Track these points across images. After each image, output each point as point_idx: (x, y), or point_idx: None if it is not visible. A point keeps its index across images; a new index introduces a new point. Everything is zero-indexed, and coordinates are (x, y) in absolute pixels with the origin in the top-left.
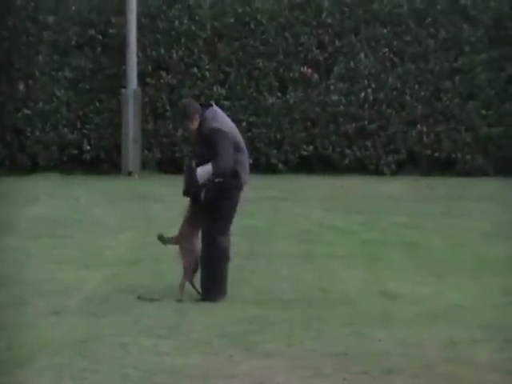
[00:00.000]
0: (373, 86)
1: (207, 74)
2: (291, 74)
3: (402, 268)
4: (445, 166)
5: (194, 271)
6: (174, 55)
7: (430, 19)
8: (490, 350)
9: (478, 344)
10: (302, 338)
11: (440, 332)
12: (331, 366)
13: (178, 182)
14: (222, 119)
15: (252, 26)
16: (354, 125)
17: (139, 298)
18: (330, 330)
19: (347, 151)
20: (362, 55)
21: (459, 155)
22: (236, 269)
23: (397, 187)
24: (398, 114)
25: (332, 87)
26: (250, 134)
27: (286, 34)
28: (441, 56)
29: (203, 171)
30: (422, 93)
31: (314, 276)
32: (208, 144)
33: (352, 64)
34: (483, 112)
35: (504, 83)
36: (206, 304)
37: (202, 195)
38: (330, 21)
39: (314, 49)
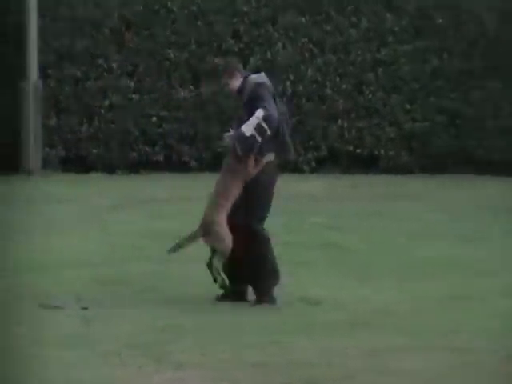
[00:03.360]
0: (291, 78)
1: (114, 65)
2: (204, 66)
3: (323, 272)
4: (367, 163)
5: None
6: (79, 45)
7: (351, 8)
8: (414, 358)
9: (401, 352)
10: (218, 347)
11: (363, 339)
12: (249, 378)
13: (84, 181)
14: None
15: (162, 14)
16: None
17: (41, 305)
18: (248, 338)
19: None
20: (280, 45)
21: (382, 152)
22: (146, 274)
23: (317, 186)
24: (318, 108)
25: None
26: (160, 129)
27: (199, 23)
28: (363, 47)
29: (247, 123)
30: (344, 86)
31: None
32: (252, 99)
33: (269, 55)
34: (407, 106)
35: (429, 76)
36: (114, 312)
37: (256, 147)
38: (245, 9)
39: (228, 39)
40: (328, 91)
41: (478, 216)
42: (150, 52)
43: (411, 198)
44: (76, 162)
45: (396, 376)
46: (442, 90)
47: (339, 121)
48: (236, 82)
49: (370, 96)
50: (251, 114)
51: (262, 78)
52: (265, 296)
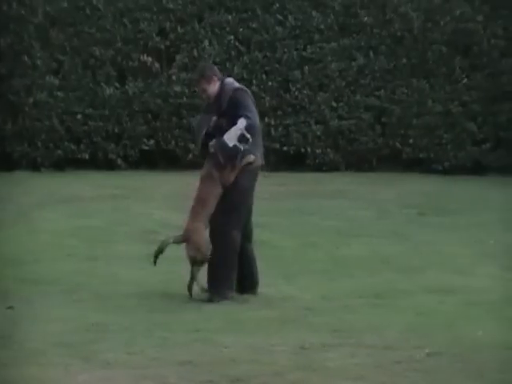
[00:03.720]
0: None
1: (39, 62)
2: (130, 63)
3: None
4: (294, 161)
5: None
6: (3, 42)
7: (277, 5)
8: (341, 355)
9: (329, 348)
10: (145, 346)
11: (290, 337)
12: (176, 375)
13: (9, 179)
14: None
15: (87, 12)
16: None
17: None
18: (175, 337)
19: (191, 146)
20: (206, 43)
21: (309, 149)
22: (73, 273)
23: None
24: None
25: (174, 77)
26: (86, 127)
27: (125, 20)
28: (289, 44)
29: (230, 133)
30: (270, 83)
31: (157, 280)
32: (233, 106)
33: (195, 52)
34: (334, 104)
35: (355, 73)
36: (42, 311)
37: (239, 158)
38: (171, 6)
39: (154, 36)
40: (254, 89)
41: (404, 213)
42: (75, 49)
43: (338, 196)
44: (0, 160)
45: (324, 373)
46: (368, 88)
47: (266, 118)
48: (214, 88)
49: (297, 93)
50: (232, 120)
51: (237, 83)
52: (216, 295)
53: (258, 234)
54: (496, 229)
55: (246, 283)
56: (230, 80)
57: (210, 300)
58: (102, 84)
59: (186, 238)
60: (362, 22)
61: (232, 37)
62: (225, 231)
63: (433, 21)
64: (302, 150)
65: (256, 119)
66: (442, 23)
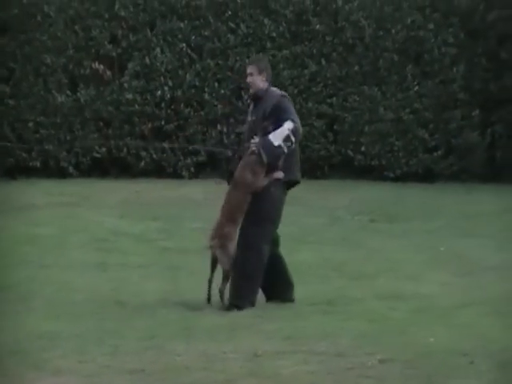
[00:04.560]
0: (170, 83)
1: None
2: (82, 71)
3: (202, 277)
4: None
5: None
6: None
7: (229, 13)
8: (293, 362)
9: (281, 356)
10: (96, 353)
11: (243, 344)
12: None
13: None
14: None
15: (39, 19)
16: (150, 125)
17: None
18: (127, 344)
19: (143, 153)
20: (158, 51)
21: None
22: (26, 280)
23: (196, 191)
24: (197, 113)
25: (126, 85)
26: (37, 135)
27: (76, 28)
28: (241, 52)
29: (276, 133)
30: (222, 91)
31: (109, 287)
32: (277, 110)
33: (147, 60)
34: None
35: (307, 81)
36: None
37: (282, 158)
38: (123, 14)
39: (106, 43)
40: (207, 96)
41: (355, 220)
42: (26, 57)
43: (291, 203)
44: None
45: (277, 380)
46: (320, 96)
47: (218, 126)
48: (260, 82)
49: (249, 101)
50: (275, 124)
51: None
52: (238, 301)
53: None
54: (446, 235)
55: (282, 288)
56: (275, 88)
57: (228, 309)
58: (54, 92)
59: (222, 242)
60: (314, 30)
61: (184, 44)
62: (256, 244)
63: (384, 29)
64: None
65: (300, 126)
66: (393, 31)
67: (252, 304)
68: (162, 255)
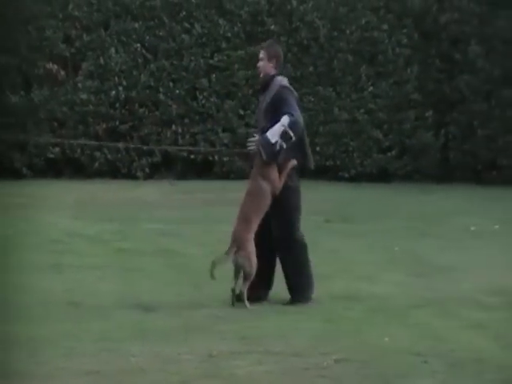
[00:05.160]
0: (124, 83)
1: None
2: (36, 71)
3: (158, 278)
4: (202, 169)
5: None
6: None
7: (184, 13)
8: (249, 362)
9: (237, 356)
10: (51, 356)
11: (198, 345)
12: None
13: None
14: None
15: None
16: (104, 125)
17: None
18: (82, 346)
19: (97, 154)
20: (113, 51)
21: (216, 157)
22: None
23: (151, 192)
24: (152, 113)
25: (80, 85)
26: None
27: (30, 28)
28: (196, 52)
29: (273, 129)
30: (177, 91)
31: (64, 289)
32: (277, 101)
33: (102, 60)
34: (241, 112)
35: None
36: None
37: (281, 156)
38: (77, 14)
39: (60, 43)
40: (161, 97)
41: (311, 220)
42: None
43: None
44: None
45: (232, 381)
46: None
47: (173, 126)
48: (270, 68)
49: (204, 101)
50: (274, 115)
51: (285, 81)
52: (300, 296)
53: (165, 243)
54: (401, 236)
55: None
56: (280, 78)
57: (294, 301)
58: (7, 92)
59: (238, 246)
60: (268, 30)
61: (138, 45)
62: (290, 235)
63: (339, 29)
64: (210, 157)
65: (300, 118)
66: (347, 32)
67: (312, 288)
68: (117, 256)
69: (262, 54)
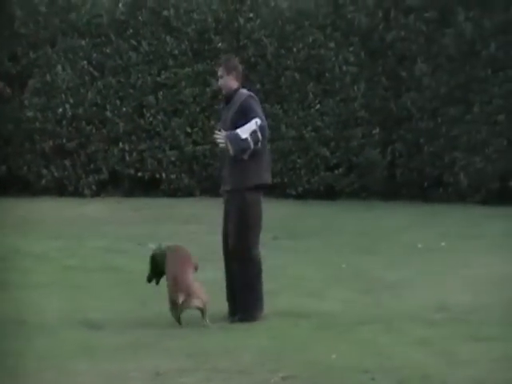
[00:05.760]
0: (71, 101)
1: None
2: None
3: (105, 295)
4: (149, 186)
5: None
6: None
7: (131, 31)
8: (196, 379)
9: (184, 373)
10: None
11: (146, 362)
12: None
13: None
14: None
15: None
16: (51, 143)
17: None
18: (27, 364)
19: (44, 171)
20: (60, 68)
21: (164, 175)
22: None
23: (98, 209)
24: (99, 131)
25: (27, 102)
26: None
27: None
28: (143, 69)
29: (244, 127)
30: (124, 108)
31: (9, 307)
32: (245, 109)
33: (48, 77)
34: (188, 129)
35: (209, 99)
36: None
37: (247, 153)
38: (23, 31)
39: (6, 61)
40: (108, 114)
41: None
42: None
43: (193, 221)
44: None
45: None
46: (220, 113)
47: (120, 144)
48: (231, 82)
49: (151, 119)
50: (241, 122)
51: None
52: (248, 316)
53: (112, 260)
54: (347, 252)
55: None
56: (244, 90)
57: (241, 320)
58: None
59: (188, 294)
60: (215, 48)
61: (85, 62)
62: (247, 253)
63: (286, 47)
64: (157, 175)
65: (266, 126)
66: (294, 50)
67: (261, 311)
68: (63, 274)
69: (220, 72)
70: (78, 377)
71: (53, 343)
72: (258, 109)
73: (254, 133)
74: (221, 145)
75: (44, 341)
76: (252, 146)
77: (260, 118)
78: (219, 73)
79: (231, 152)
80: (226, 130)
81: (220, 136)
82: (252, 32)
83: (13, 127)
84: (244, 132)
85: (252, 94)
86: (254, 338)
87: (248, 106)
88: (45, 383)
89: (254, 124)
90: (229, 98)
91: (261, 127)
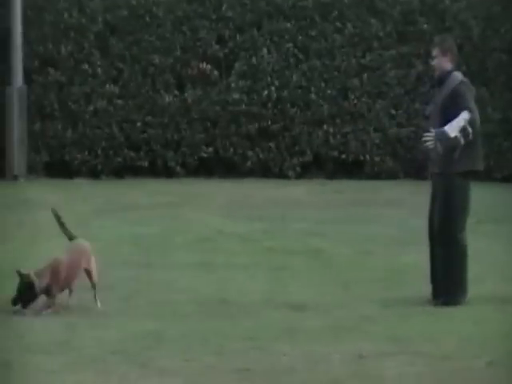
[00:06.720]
0: (276, 83)
1: (99, 70)
2: (189, 71)
3: (307, 278)
4: (352, 169)
5: None
6: (63, 50)
7: (336, 13)
8: (399, 363)
9: (386, 357)
10: (201, 353)
11: (347, 345)
12: (232, 383)
13: (68, 187)
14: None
15: (147, 20)
16: (256, 125)
17: (20, 312)
18: (231, 344)
19: (249, 153)
20: (265, 51)
21: (367, 157)
22: (130, 280)
23: (302, 191)
24: (303, 113)
25: (233, 85)
26: (145, 135)
27: (184, 28)
28: (348, 52)
29: (452, 124)
30: (329, 91)
31: (213, 287)
32: (455, 96)
33: (254, 60)
34: (392, 111)
35: (414, 81)
36: (98, 318)
37: (457, 152)
38: (230, 14)
39: (213, 44)
40: (313, 96)
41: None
42: (134, 57)
43: (395, 204)
44: (60, 167)
45: (381, 381)
46: (427, 95)
47: (324, 126)
48: (445, 64)
49: (355, 101)
50: (451, 111)
51: (462, 76)
52: (452, 300)
53: (314, 243)
54: None
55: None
56: (457, 73)
57: (444, 304)
58: (161, 92)
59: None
60: (420, 30)
61: (291, 44)
62: (451, 236)
63: (492, 28)
64: (361, 157)
65: (478, 117)
66: (502, 30)
67: (464, 295)
68: (266, 255)
69: (435, 52)
70: (281, 358)
71: (256, 324)
72: (470, 97)
73: (463, 130)
74: (430, 146)
75: (248, 321)
76: (463, 142)
77: (470, 110)
78: (433, 53)
79: (440, 151)
80: (435, 113)
81: (429, 137)
82: (458, 13)
83: (219, 109)
84: (453, 130)
85: (465, 80)
86: (456, 323)
87: (460, 94)
88: (249, 363)
89: (462, 120)
90: (442, 80)
91: (470, 121)
